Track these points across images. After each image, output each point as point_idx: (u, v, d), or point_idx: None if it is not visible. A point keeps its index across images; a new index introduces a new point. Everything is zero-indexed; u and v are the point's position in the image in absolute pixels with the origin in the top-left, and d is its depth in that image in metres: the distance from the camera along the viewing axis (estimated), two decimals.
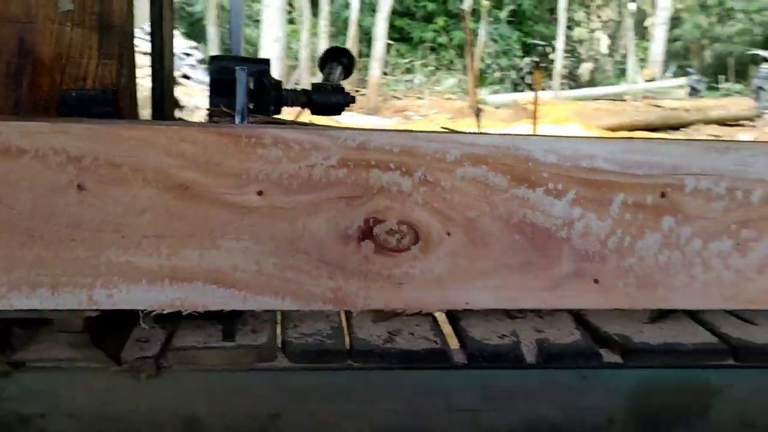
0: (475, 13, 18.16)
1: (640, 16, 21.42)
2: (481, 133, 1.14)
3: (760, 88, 15.62)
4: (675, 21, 20.83)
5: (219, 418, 1.37)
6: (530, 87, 16.20)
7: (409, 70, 19.09)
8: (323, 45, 15.34)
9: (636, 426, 1.46)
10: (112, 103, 1.14)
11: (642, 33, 21.48)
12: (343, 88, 1.33)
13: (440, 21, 19.65)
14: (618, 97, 16.54)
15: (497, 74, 19.75)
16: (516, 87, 18.43)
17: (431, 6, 20.36)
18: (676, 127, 13.91)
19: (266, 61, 1.23)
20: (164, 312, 1.10)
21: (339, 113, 1.32)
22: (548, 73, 19.00)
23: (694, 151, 1.11)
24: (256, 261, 1.08)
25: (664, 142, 1.12)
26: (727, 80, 19.31)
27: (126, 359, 1.32)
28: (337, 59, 1.40)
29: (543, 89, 17.11)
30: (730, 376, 1.47)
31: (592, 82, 20.34)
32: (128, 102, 1.16)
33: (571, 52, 20.73)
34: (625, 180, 1.10)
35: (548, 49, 19.51)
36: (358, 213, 1.08)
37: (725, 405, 1.46)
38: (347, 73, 1.39)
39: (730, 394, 1.46)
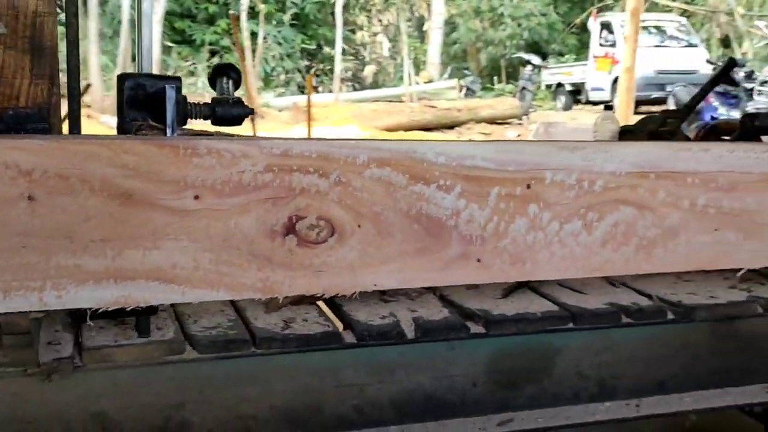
0: (255, 15, 18.29)
1: (420, 21, 22.42)
2: (385, 140, 1.33)
3: (524, 88, 16.86)
4: (452, 25, 22.01)
5: (125, 411, 1.47)
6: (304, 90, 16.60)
7: (192, 73, 18.90)
8: (93, 48, 14.88)
9: (495, 386, 1.72)
10: (46, 119, 1.23)
11: (422, 36, 22.50)
12: (242, 101, 1.47)
13: (222, 23, 19.58)
14: (396, 99, 17.28)
15: (282, 77, 19.97)
16: (302, 90, 18.75)
17: (213, 8, 20.24)
18: (450, 126, 14.77)
19: (177, 78, 1.36)
20: (106, 309, 1.21)
21: (240, 124, 1.46)
22: (330, 76, 19.49)
23: (551, 150, 1.37)
24: (193, 258, 1.22)
25: (529, 143, 1.37)
26: (500, 81, 20.67)
27: (43, 361, 1.40)
28: (225, 74, 1.55)
29: (319, 92, 17.52)
30: (568, 337, 1.75)
31: (375, 84, 21.06)
32: (58, 119, 1.25)
33: (354, 55, 21.34)
34: (499, 175, 1.34)
35: (332, 52, 20.00)
36: (283, 211, 1.25)
37: (565, 362, 1.75)
38: (237, 86, 1.53)
39: (569, 352, 1.75)
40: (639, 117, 2.85)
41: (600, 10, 18.97)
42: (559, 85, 18.83)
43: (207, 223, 1.22)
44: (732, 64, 3.27)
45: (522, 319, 1.68)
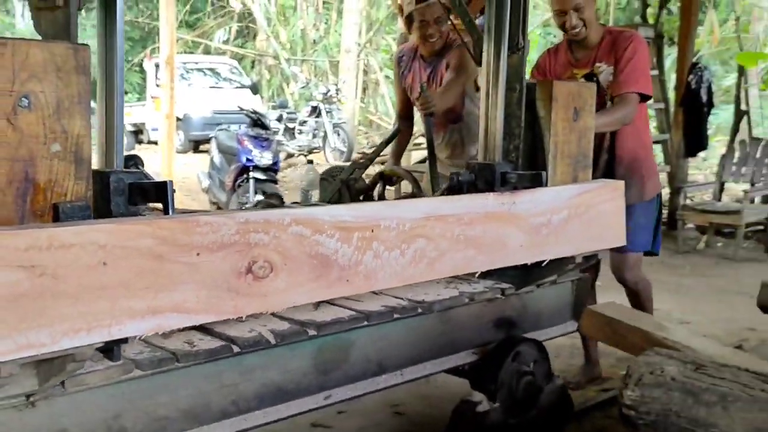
0: None
1: None
2: (304, 208, 2.05)
3: None
4: None
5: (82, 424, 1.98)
6: None
7: None
8: None
9: (317, 373, 2.46)
10: (87, 209, 1.74)
11: None
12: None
13: None
14: None
15: None
16: None
17: None
18: None
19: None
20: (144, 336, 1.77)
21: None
22: None
23: (382, 207, 2.20)
24: (196, 295, 1.83)
25: (370, 204, 2.18)
26: None
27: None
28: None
29: None
30: (357, 333, 2.55)
31: None
32: (93, 208, 1.77)
33: None
34: (357, 224, 2.13)
35: None
36: (245, 258, 1.91)
37: (357, 351, 2.55)
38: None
39: (359, 343, 2.55)
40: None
41: (154, 50, 18.87)
42: None
43: (204, 270, 1.84)
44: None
45: (338, 322, 2.45)
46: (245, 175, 7.73)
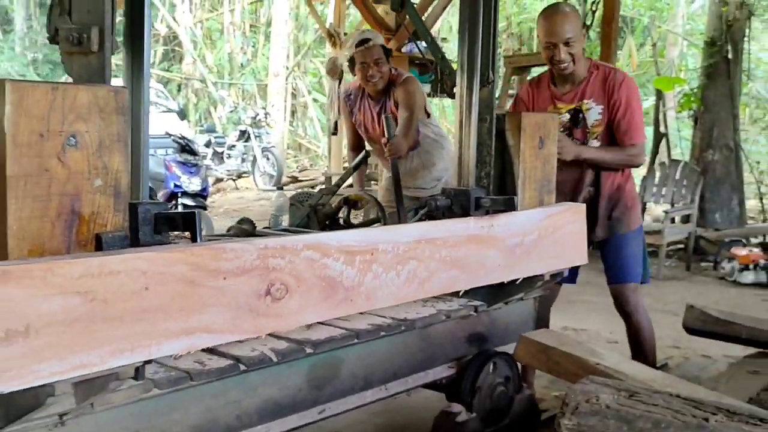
0: None
1: None
2: (314, 233, 2.21)
3: None
4: None
5: None
6: None
7: None
8: None
9: (311, 389, 2.62)
10: (126, 239, 1.88)
11: None
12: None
13: None
14: None
15: None
16: None
17: None
18: None
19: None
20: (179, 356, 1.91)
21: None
22: None
23: (381, 232, 2.38)
24: (222, 316, 1.98)
25: (369, 229, 2.36)
26: None
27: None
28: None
29: None
30: (346, 351, 2.72)
31: None
32: (129, 236, 1.91)
33: None
34: (360, 248, 2.31)
35: None
36: (264, 281, 2.07)
37: (347, 367, 2.72)
38: None
39: (348, 360, 2.72)
40: None
41: None
42: None
43: (229, 293, 1.99)
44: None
45: (331, 340, 2.61)
46: (174, 202, 7.68)
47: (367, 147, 4.63)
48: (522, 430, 3.19)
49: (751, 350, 3.35)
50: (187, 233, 2.08)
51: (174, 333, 1.88)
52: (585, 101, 3.58)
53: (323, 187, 4.02)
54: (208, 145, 14.93)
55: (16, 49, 24.81)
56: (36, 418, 1.82)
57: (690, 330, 3.40)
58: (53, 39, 2.03)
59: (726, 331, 3.24)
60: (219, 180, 15.11)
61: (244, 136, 15.24)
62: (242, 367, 2.35)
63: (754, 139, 15.60)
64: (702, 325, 3.29)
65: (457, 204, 2.88)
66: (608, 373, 2.55)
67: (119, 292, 1.76)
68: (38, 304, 1.63)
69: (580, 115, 3.58)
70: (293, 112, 20.80)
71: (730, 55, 9.35)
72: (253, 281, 2.05)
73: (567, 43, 3.43)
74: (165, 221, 2.06)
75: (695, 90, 9.83)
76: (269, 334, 2.52)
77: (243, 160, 15.19)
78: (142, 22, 2.09)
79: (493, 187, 3.03)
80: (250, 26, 22.05)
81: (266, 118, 15.87)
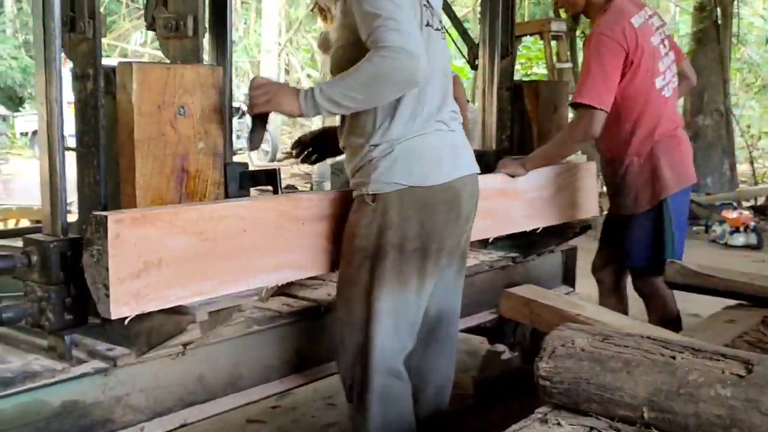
0: None
1: None
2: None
3: None
4: None
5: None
6: None
7: None
8: None
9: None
10: (224, 192, 2.27)
11: None
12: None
13: None
14: None
15: None
16: None
17: None
18: None
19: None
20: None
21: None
22: None
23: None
24: (304, 255, 2.35)
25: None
26: None
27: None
28: None
29: None
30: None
31: None
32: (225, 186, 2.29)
33: None
34: None
35: None
36: (336, 225, 2.45)
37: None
38: None
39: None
40: None
41: None
42: (36, 132, 18.48)
43: (309, 236, 2.36)
44: None
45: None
46: None
47: None
48: None
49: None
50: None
51: (266, 268, 2.26)
52: None
53: None
54: None
55: (6, 31, 24.96)
56: (169, 346, 2.16)
57: (670, 284, 3.36)
58: (150, 26, 2.39)
59: (703, 284, 3.21)
60: None
61: (238, 113, 15.40)
62: (322, 310, 2.70)
63: (748, 105, 15.78)
64: (682, 279, 3.22)
65: (481, 164, 3.24)
66: (588, 323, 2.57)
67: (225, 234, 2.13)
68: (167, 242, 1.99)
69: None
70: None
71: (719, 20, 9.53)
72: (327, 225, 2.41)
73: None
74: (249, 177, 2.43)
75: (686, 55, 10.07)
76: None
77: (237, 137, 15.35)
78: (225, 10, 2.45)
79: (513, 148, 3.42)
80: (242, 3, 22.26)
81: None
